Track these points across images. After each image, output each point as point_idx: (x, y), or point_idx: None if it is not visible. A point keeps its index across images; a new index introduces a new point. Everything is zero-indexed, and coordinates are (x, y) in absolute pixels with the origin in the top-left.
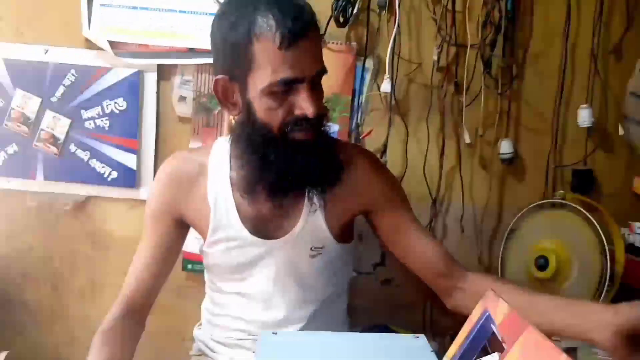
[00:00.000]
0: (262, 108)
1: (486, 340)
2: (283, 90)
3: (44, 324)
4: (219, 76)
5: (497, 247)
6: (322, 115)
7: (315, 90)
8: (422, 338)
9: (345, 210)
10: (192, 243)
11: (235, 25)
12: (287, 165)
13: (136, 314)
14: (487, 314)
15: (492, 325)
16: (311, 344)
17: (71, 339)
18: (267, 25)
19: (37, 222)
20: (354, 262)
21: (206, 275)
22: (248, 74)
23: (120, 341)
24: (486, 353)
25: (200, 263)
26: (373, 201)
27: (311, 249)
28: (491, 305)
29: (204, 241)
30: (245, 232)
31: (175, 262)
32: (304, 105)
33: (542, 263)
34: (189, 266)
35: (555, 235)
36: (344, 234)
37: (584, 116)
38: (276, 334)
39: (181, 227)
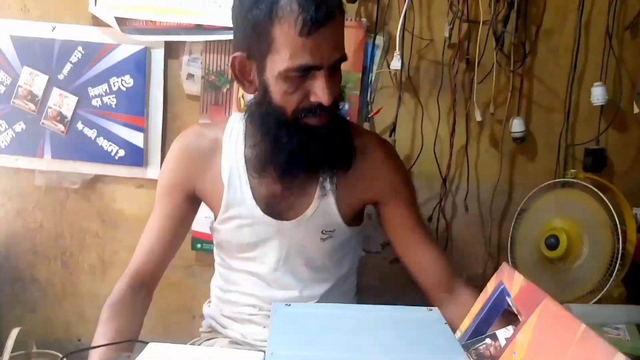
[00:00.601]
0: (278, 91)
1: (501, 313)
2: (300, 76)
3: (54, 301)
4: (237, 54)
5: (507, 227)
6: (336, 101)
7: (334, 75)
8: (435, 311)
9: (355, 197)
10: (201, 222)
11: (257, 2)
12: (299, 149)
13: (144, 287)
14: (502, 286)
15: (507, 297)
16: (324, 315)
17: (81, 315)
18: (289, 9)
19: (46, 201)
20: (362, 242)
21: (216, 253)
22: (266, 55)
23: (128, 314)
24: (500, 326)
25: (210, 242)
26: (383, 192)
27: (322, 232)
28: (506, 277)
29: (215, 218)
30: (257, 211)
31: (185, 237)
32: (319, 93)
33: (552, 242)
34: (198, 245)
35: (566, 215)
36: (354, 218)
37: (598, 94)
38: (289, 305)
39: (193, 202)
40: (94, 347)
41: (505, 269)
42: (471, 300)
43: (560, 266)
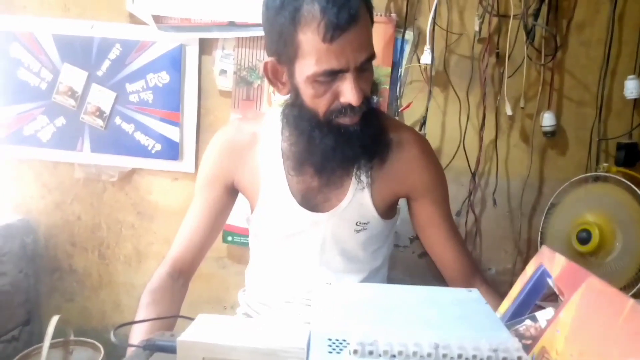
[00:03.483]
0: (308, 94)
1: (541, 296)
2: (328, 79)
3: (91, 291)
4: (268, 59)
5: (537, 222)
6: (367, 99)
7: (363, 75)
8: (475, 291)
9: (390, 190)
10: (231, 216)
11: (281, 10)
12: (332, 148)
13: (182, 275)
14: (542, 268)
15: (547, 279)
16: (365, 293)
17: (117, 305)
18: (312, 15)
19: (84, 193)
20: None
21: (252, 243)
22: (294, 60)
23: (168, 300)
24: (540, 309)
25: (240, 235)
26: (415, 188)
27: (356, 224)
28: (547, 259)
29: (252, 209)
30: (294, 204)
31: (222, 228)
32: (348, 95)
33: (584, 237)
34: (229, 238)
35: (598, 209)
36: (388, 211)
37: (631, 87)
38: (330, 284)
39: (231, 193)
40: (140, 322)
41: (545, 251)
42: (485, 295)
43: (592, 261)
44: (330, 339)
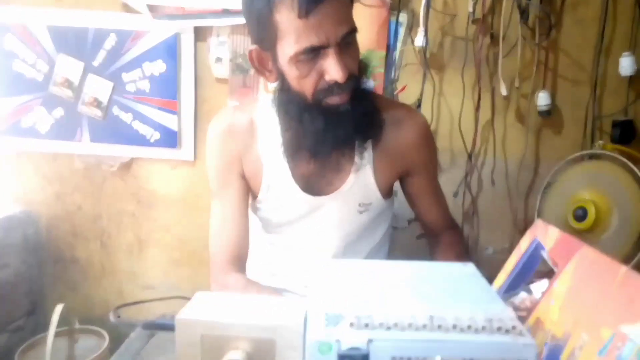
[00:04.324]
0: (293, 76)
1: (535, 268)
2: (310, 57)
3: (94, 280)
4: (252, 47)
5: (533, 201)
6: (354, 76)
7: (347, 50)
8: (470, 265)
9: (392, 169)
10: None
11: None
12: (324, 130)
13: (243, 269)
14: (536, 241)
15: (541, 251)
16: (362, 270)
17: (120, 293)
18: None
19: (84, 183)
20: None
21: (254, 228)
22: (275, 43)
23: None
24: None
25: None
26: (414, 165)
27: (359, 205)
28: (540, 232)
29: (254, 197)
30: (296, 190)
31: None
32: (332, 71)
33: (580, 214)
34: None
35: (594, 187)
36: (389, 190)
37: (626, 64)
38: (328, 261)
39: (246, 180)
40: (139, 302)
41: (539, 224)
42: (450, 237)
43: (588, 238)
44: (327, 314)
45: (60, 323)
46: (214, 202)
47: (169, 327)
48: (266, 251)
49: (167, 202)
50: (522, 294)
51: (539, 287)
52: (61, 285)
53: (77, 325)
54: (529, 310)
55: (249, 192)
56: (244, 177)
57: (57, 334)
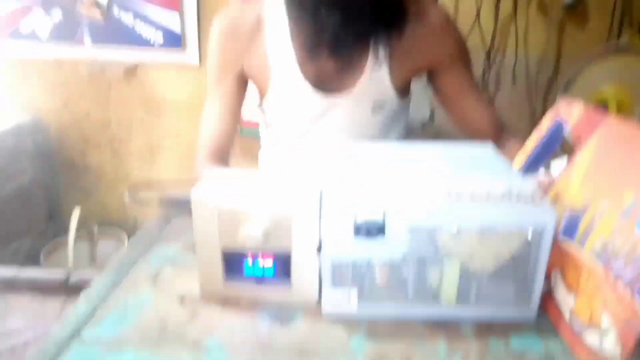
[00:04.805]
0: None
1: (556, 148)
2: None
3: (108, 186)
4: None
5: (553, 99)
6: None
7: None
8: (489, 145)
9: (410, 65)
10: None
11: None
12: (343, 23)
13: (221, 161)
14: (558, 120)
15: (563, 130)
16: (376, 150)
17: (133, 198)
18: None
19: (90, 91)
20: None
21: (263, 132)
22: None
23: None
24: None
25: (250, 129)
26: (439, 60)
27: (373, 104)
28: (564, 110)
29: (261, 98)
30: (307, 88)
31: (241, 114)
32: None
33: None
34: (241, 132)
35: (617, 81)
36: (405, 89)
37: None
38: (340, 144)
39: (243, 81)
40: (158, 182)
41: (562, 103)
42: (517, 147)
43: None
44: (343, 188)
45: (80, 227)
46: (207, 98)
47: (184, 204)
48: (278, 154)
49: (174, 107)
50: (541, 173)
51: (558, 166)
52: (77, 192)
53: (96, 228)
54: (548, 188)
55: (243, 92)
56: (240, 78)
57: (77, 237)
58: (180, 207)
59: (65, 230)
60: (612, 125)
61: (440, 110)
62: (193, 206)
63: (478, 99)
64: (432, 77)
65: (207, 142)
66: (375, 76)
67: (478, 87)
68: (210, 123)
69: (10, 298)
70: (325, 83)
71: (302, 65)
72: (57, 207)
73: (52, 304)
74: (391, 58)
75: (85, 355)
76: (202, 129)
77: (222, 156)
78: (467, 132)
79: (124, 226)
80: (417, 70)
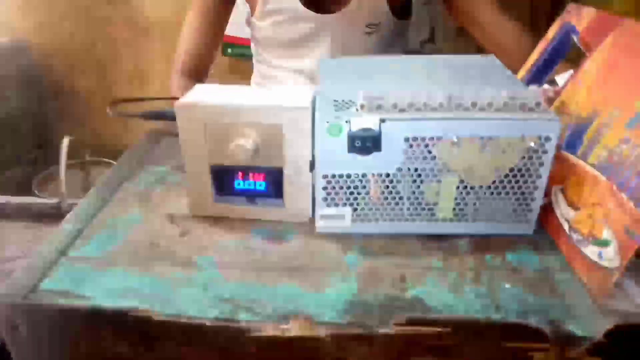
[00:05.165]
0: None
1: (564, 56)
2: None
3: (98, 113)
4: None
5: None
6: None
7: None
8: (492, 57)
9: None
10: (231, 26)
11: None
12: None
13: (197, 79)
14: (567, 25)
15: (572, 35)
16: (374, 63)
17: (125, 125)
18: None
19: (71, 9)
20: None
21: (253, 49)
22: None
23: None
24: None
25: (241, 46)
26: None
27: (367, 25)
28: (574, 16)
29: (252, 12)
30: (297, 4)
31: (223, 34)
32: None
33: None
34: (229, 50)
35: None
36: (402, 9)
37: None
38: (336, 59)
39: None
40: (135, 99)
41: (572, 7)
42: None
43: None
44: (336, 100)
45: (72, 156)
46: (189, 12)
47: (169, 117)
48: (268, 73)
49: (163, 28)
50: (546, 86)
51: (564, 78)
52: (67, 119)
53: (88, 157)
54: (553, 100)
55: (229, 7)
56: None
57: (70, 166)
58: (166, 120)
59: (56, 159)
60: (627, 29)
61: (441, 29)
62: (178, 119)
63: (498, 12)
64: None
65: (184, 58)
66: None
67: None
68: (190, 37)
69: (3, 226)
70: (317, 2)
71: None
72: (47, 135)
73: (46, 232)
74: None
75: (74, 273)
76: (180, 42)
77: (199, 74)
78: (493, 53)
79: (118, 154)
80: None
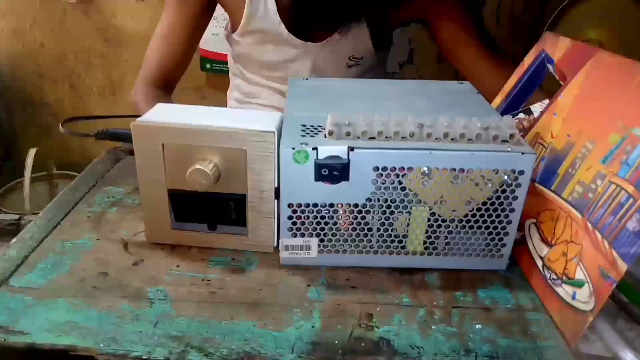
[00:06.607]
0: None
1: (539, 86)
2: None
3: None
4: None
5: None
6: None
7: None
8: (467, 83)
9: (394, 19)
10: (209, 41)
11: None
12: None
13: (162, 90)
14: (542, 54)
15: (548, 65)
16: (346, 86)
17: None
18: None
19: (43, 18)
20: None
21: (232, 64)
22: None
23: (161, 99)
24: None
25: (219, 62)
26: (428, 8)
27: (349, 58)
28: (549, 45)
29: (232, 28)
30: (281, 29)
31: (198, 44)
32: None
33: None
34: (208, 65)
35: (605, 24)
36: (385, 41)
37: None
38: (307, 80)
39: (209, 6)
40: (92, 117)
41: (547, 37)
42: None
43: None
44: (304, 125)
45: (38, 168)
46: (163, 14)
47: (125, 137)
48: (247, 89)
49: (136, 39)
50: (520, 115)
51: (539, 107)
52: (35, 130)
53: (54, 170)
54: (527, 131)
55: (207, 18)
56: (204, 5)
57: (36, 179)
58: (121, 139)
59: (21, 172)
60: (602, 60)
61: (419, 51)
62: (134, 140)
63: (479, 50)
64: (427, 27)
65: (152, 65)
66: (353, 31)
67: (479, 37)
68: (160, 45)
69: None
70: (301, 27)
71: (278, 3)
72: (14, 147)
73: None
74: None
75: (12, 304)
76: (149, 51)
77: (166, 86)
78: (475, 85)
79: (84, 168)
80: (401, 23)
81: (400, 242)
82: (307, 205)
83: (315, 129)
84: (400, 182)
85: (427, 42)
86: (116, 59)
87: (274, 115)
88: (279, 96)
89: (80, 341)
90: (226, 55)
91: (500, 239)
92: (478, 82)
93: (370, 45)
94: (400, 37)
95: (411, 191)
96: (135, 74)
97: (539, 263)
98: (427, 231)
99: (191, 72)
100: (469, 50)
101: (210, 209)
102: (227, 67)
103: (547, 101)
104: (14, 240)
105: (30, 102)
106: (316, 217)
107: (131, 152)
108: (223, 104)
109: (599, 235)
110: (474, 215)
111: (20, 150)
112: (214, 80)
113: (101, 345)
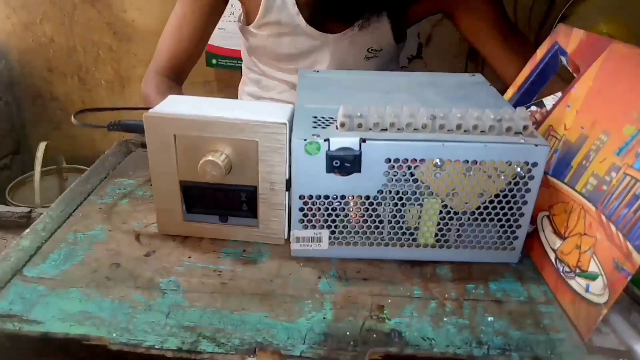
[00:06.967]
0: None
1: (551, 78)
2: None
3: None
4: None
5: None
6: None
7: None
8: (479, 75)
9: (415, 11)
10: (215, 36)
11: None
12: None
13: (173, 82)
14: (556, 46)
15: (561, 57)
16: (358, 78)
17: (103, 132)
18: None
19: (53, 12)
20: None
21: (246, 56)
22: None
23: (176, 90)
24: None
25: (226, 57)
26: (452, 0)
27: (368, 50)
28: (562, 37)
29: (246, 20)
30: (300, 20)
31: (209, 37)
32: None
33: None
34: (214, 61)
35: (616, 18)
36: (404, 33)
37: None
38: (318, 71)
39: (222, 2)
40: (103, 110)
41: (560, 29)
42: None
43: None
44: (315, 116)
45: (48, 162)
46: (175, 6)
47: (137, 128)
48: (261, 82)
49: (145, 33)
50: (533, 107)
51: (551, 100)
52: (44, 124)
53: (64, 164)
54: (540, 123)
55: (220, 11)
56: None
57: (46, 173)
58: (133, 130)
59: (31, 165)
60: (617, 51)
61: (429, 46)
62: (146, 132)
63: (509, 46)
64: (452, 19)
65: (163, 57)
66: (374, 22)
67: (512, 28)
68: (173, 35)
69: None
70: (320, 18)
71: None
72: (24, 141)
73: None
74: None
75: (26, 294)
76: (161, 42)
77: (177, 77)
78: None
79: (94, 162)
80: (422, 16)
81: (411, 234)
82: (319, 197)
83: (327, 120)
84: (412, 174)
85: (436, 36)
86: (125, 53)
87: (286, 107)
88: (294, 91)
89: (93, 330)
90: (233, 50)
91: (513, 232)
92: (503, 72)
93: (391, 37)
94: (409, 31)
95: (423, 183)
96: (144, 68)
97: (552, 256)
98: (438, 223)
99: (199, 66)
100: (493, 42)
101: (221, 201)
102: (234, 63)
103: (559, 94)
104: (27, 231)
105: (40, 96)
106: (327, 209)
107: (142, 145)
108: (232, 98)
109: (613, 228)
110: (486, 208)
111: (31, 144)
112: (221, 75)
113: (114, 334)
